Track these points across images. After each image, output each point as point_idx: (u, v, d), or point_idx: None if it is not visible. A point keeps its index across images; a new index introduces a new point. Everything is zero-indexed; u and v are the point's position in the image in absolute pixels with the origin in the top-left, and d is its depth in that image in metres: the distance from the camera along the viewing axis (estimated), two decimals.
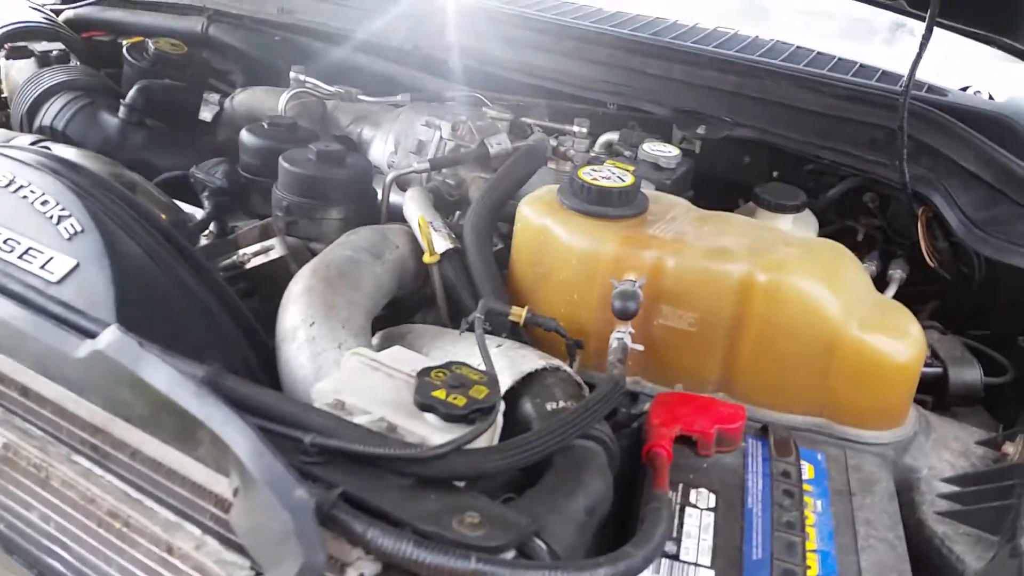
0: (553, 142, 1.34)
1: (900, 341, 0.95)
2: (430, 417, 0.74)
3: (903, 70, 1.23)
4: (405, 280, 1.12)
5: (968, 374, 1.09)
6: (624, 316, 0.91)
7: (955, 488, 0.91)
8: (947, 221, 1.21)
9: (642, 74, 1.44)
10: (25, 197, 0.98)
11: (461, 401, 0.73)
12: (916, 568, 0.79)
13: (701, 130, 1.37)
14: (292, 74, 1.64)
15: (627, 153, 1.28)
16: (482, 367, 0.81)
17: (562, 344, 0.99)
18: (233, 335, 1.00)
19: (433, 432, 0.73)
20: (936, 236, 1.26)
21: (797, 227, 1.28)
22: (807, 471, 0.88)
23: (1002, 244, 1.17)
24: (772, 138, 1.34)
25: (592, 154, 1.36)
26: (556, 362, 0.91)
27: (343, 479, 0.64)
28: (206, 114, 1.73)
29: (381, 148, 1.49)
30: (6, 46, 1.57)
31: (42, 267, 0.90)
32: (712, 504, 0.83)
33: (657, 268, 0.97)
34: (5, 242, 0.93)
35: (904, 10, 1.32)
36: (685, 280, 0.96)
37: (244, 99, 1.63)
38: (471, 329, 0.94)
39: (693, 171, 1.31)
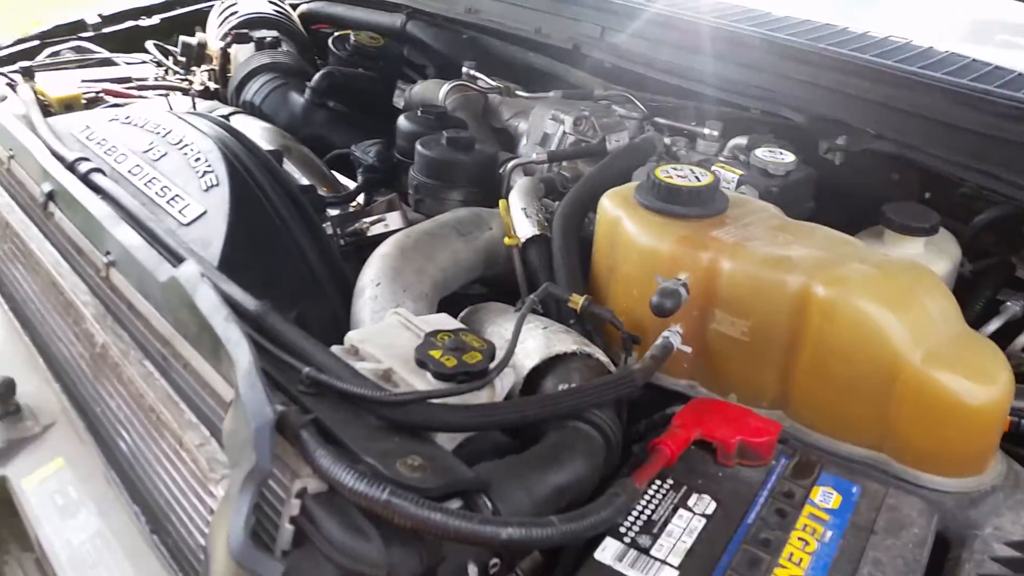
0: (667, 141, 1.34)
1: (977, 383, 0.85)
2: (428, 375, 0.81)
3: None
4: (496, 260, 1.19)
5: None
6: (660, 313, 0.91)
7: (1015, 553, 0.81)
8: None
9: (789, 79, 1.38)
10: (186, 154, 1.19)
11: (451, 363, 0.79)
12: None
13: (841, 140, 1.29)
14: (464, 68, 1.76)
15: (742, 157, 1.25)
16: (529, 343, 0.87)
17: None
18: (329, 288, 1.13)
19: (426, 387, 0.79)
20: None
21: (929, 253, 1.17)
22: (832, 500, 0.83)
23: None
24: (917, 155, 1.22)
25: (721, 157, 1.33)
26: (591, 350, 0.94)
27: (326, 411, 0.73)
28: (399, 101, 1.92)
29: (526, 138, 1.57)
30: (232, 32, 1.85)
31: (180, 211, 1.09)
32: (709, 511, 0.81)
33: (712, 270, 0.95)
34: (162, 189, 1.14)
35: None
36: (739, 286, 0.94)
37: (419, 90, 1.78)
38: (533, 303, 0.99)
39: (822, 181, 1.24)
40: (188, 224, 1.06)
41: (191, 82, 1.85)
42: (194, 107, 1.58)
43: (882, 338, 0.87)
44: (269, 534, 0.65)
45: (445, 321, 0.94)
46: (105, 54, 2.07)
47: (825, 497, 0.83)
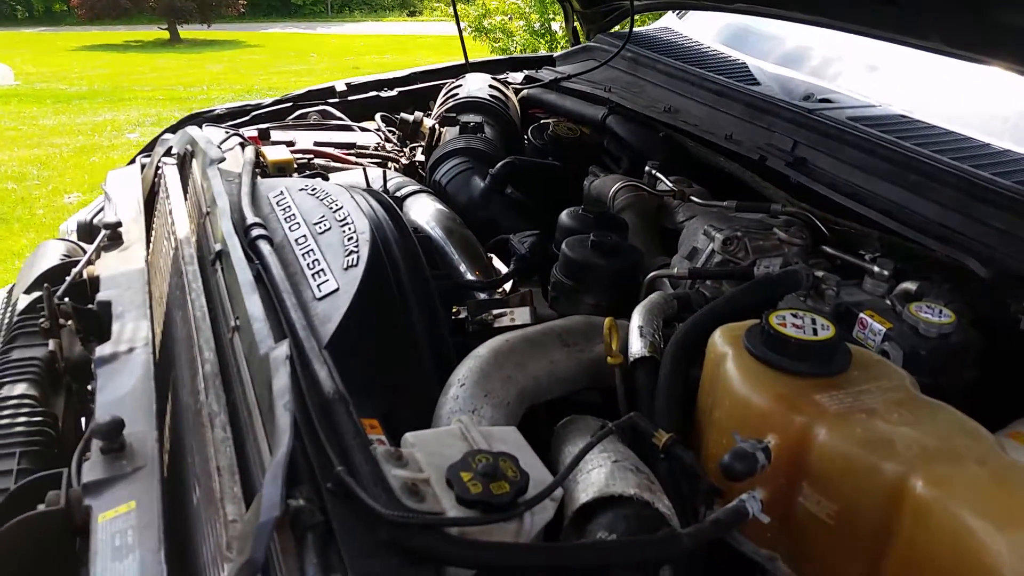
0: (819, 275, 1.22)
1: None
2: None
3: None
4: (604, 376, 1.16)
5: None
6: (728, 476, 0.83)
7: None
8: None
9: (983, 225, 1.22)
10: (344, 231, 1.30)
11: (477, 489, 0.78)
12: None
13: None
14: (647, 167, 1.76)
15: (899, 308, 1.11)
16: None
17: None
18: (431, 378, 1.17)
19: (452, 510, 0.79)
20: None
21: None
22: None
23: None
24: None
25: (888, 301, 1.20)
26: (651, 497, 0.88)
27: (345, 515, 0.76)
28: (585, 183, 1.96)
29: (688, 244, 1.52)
30: (444, 114, 2.00)
31: (318, 285, 1.19)
32: None
33: (804, 439, 0.86)
34: (313, 261, 1.25)
35: None
36: (830, 462, 0.84)
37: (598, 184, 1.80)
38: (607, 434, 0.95)
39: (979, 350, 1.07)
40: (320, 299, 1.15)
41: (404, 155, 2.02)
42: (385, 182, 1.72)
43: (984, 561, 0.72)
44: None
45: (510, 438, 0.93)
46: (346, 120, 2.32)
47: None
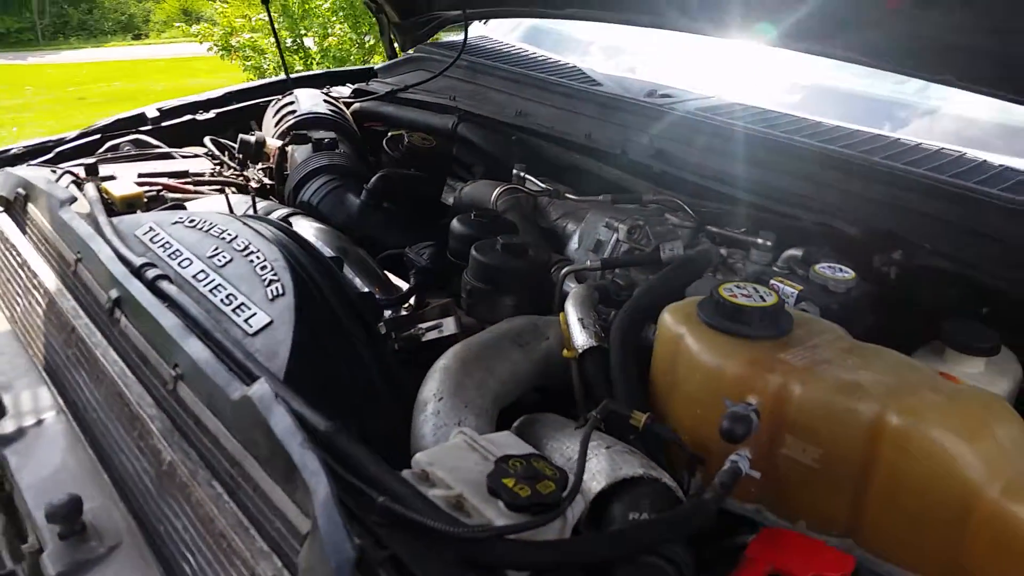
0: (724, 252, 1.35)
1: None
2: (501, 504, 0.80)
3: None
4: (553, 371, 1.19)
5: None
6: (730, 439, 0.90)
7: None
8: None
9: (840, 191, 1.40)
10: (252, 261, 1.21)
11: (526, 492, 0.78)
12: None
13: (897, 255, 1.29)
14: (514, 171, 1.81)
15: (800, 271, 1.25)
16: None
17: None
18: (388, 402, 1.13)
19: (499, 517, 0.78)
20: None
21: (990, 372, 1.15)
22: None
23: None
24: (974, 273, 1.22)
25: (775, 268, 1.34)
26: (657, 473, 0.92)
27: (401, 544, 0.72)
28: (449, 199, 1.96)
29: (577, 240, 1.59)
30: (291, 132, 1.92)
31: (246, 321, 1.10)
32: None
33: (782, 395, 0.94)
34: (227, 296, 1.16)
35: None
36: (810, 412, 0.93)
37: (470, 191, 1.82)
38: (596, 423, 0.98)
39: (878, 296, 1.24)
40: (254, 334, 1.08)
41: (247, 178, 1.90)
42: (254, 208, 1.62)
43: (957, 470, 0.85)
44: None
45: (510, 442, 0.93)
46: (164, 148, 2.14)
47: None
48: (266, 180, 1.92)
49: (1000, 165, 1.42)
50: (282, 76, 2.39)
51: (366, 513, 0.75)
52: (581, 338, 1.17)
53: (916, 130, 1.74)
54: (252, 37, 7.75)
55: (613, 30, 2.51)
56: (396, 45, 2.66)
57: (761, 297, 1.04)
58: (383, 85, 2.37)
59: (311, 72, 2.63)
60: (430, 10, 2.45)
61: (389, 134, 2.05)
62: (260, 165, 1.93)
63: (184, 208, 1.61)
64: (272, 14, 7.00)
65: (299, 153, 1.88)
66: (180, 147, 2.18)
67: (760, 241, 1.38)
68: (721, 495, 0.89)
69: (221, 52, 8.00)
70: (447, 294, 1.53)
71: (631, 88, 1.96)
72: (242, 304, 1.13)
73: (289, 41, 7.42)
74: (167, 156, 2.12)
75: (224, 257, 1.24)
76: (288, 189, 1.80)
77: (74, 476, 0.93)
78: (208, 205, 1.68)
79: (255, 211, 1.61)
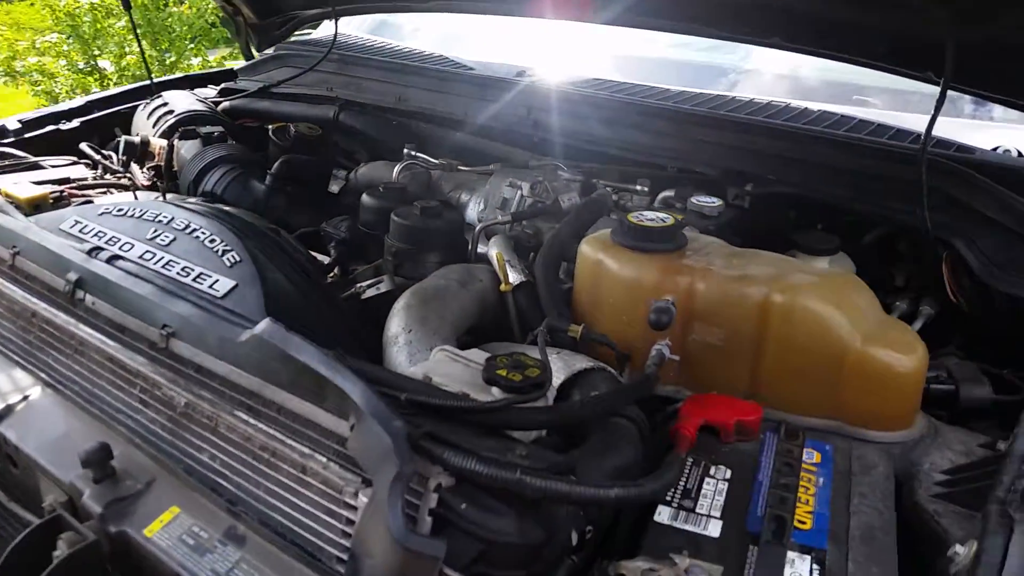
0: (615, 197, 1.58)
1: (902, 354, 1.11)
2: (495, 390, 0.96)
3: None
4: (487, 309, 1.36)
5: (978, 391, 1.22)
6: (658, 327, 1.12)
7: (948, 477, 1.05)
8: (969, 262, 1.35)
9: (698, 142, 1.66)
10: (197, 237, 1.30)
11: (518, 377, 0.95)
12: (910, 541, 0.93)
13: (749, 187, 1.57)
14: (405, 150, 1.95)
15: (679, 205, 1.50)
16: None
17: (613, 357, 1.20)
18: (348, 342, 1.26)
19: (489, 396, 0.95)
20: (961, 276, 1.40)
21: (832, 268, 1.45)
22: (815, 456, 1.05)
23: (1013, 281, 1.31)
24: (813, 194, 1.52)
25: (656, 205, 1.58)
26: (603, 365, 1.13)
27: (429, 426, 0.87)
28: (334, 187, 2.08)
29: (474, 208, 1.76)
30: (179, 129, 1.95)
31: (210, 287, 1.19)
32: (727, 476, 1.00)
33: (690, 291, 1.17)
34: (183, 269, 1.23)
35: (924, 78, 1.49)
36: (713, 301, 1.16)
37: (366, 172, 1.95)
38: (535, 341, 1.17)
39: (738, 221, 1.51)
40: (223, 297, 1.17)
41: (130, 178, 1.92)
42: (164, 199, 1.67)
43: (831, 330, 1.11)
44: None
45: (483, 355, 1.10)
46: (31, 159, 2.09)
47: (809, 455, 1.05)
48: (151, 180, 1.94)
49: (819, 110, 1.75)
50: (145, 82, 2.39)
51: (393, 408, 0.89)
52: (512, 275, 1.36)
53: (746, 88, 2.08)
54: (40, 61, 7.25)
55: (455, 20, 2.72)
56: (252, 46, 2.71)
57: (661, 220, 1.27)
58: (252, 83, 2.42)
59: (173, 76, 2.62)
60: (291, 9, 2.52)
61: (272, 126, 2.13)
62: (148, 165, 1.96)
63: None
64: (78, 34, 6.66)
65: (186, 149, 1.93)
66: (47, 157, 2.14)
67: (638, 187, 1.62)
68: (655, 371, 1.10)
69: (4, 78, 7.41)
70: (365, 262, 1.67)
71: (499, 70, 2.16)
72: (201, 274, 1.21)
73: (82, 64, 7.03)
74: (37, 167, 2.08)
75: (167, 237, 1.30)
76: (186, 182, 1.85)
77: (83, 436, 0.98)
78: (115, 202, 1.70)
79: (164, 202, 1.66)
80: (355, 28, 2.89)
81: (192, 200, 1.68)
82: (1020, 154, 1.61)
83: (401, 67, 2.18)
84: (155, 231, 1.32)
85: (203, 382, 1.01)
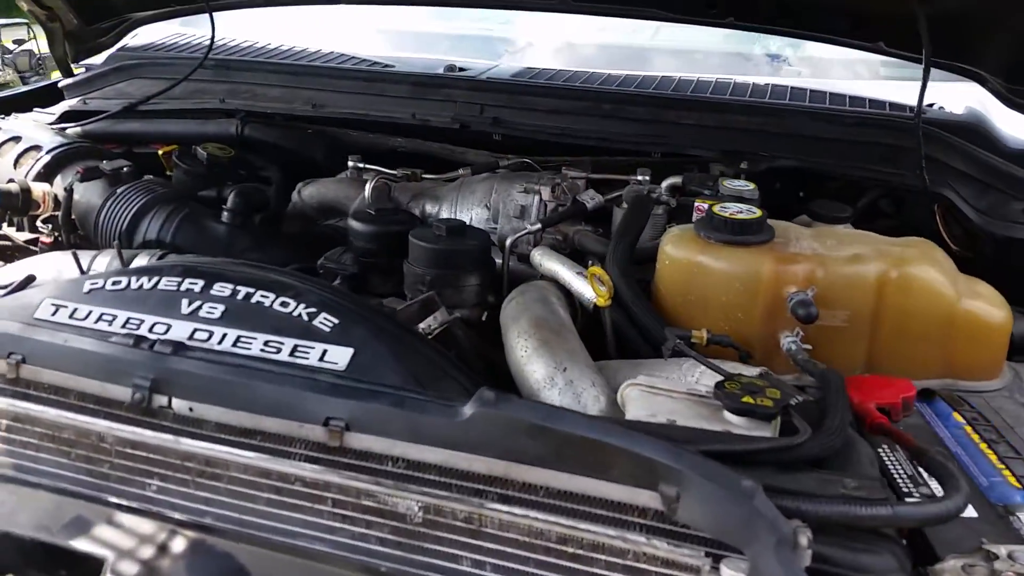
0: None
1: (994, 307, 1.21)
2: (732, 418, 0.90)
3: None
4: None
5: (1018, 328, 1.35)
6: (808, 320, 1.11)
7: None
8: (963, 211, 1.50)
9: (677, 125, 1.67)
10: (259, 302, 1.06)
11: (768, 403, 0.90)
12: None
13: (744, 165, 1.61)
14: (350, 162, 1.75)
15: (707, 192, 1.49)
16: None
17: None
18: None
19: (732, 429, 0.89)
20: (951, 224, 1.55)
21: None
22: (970, 416, 1.11)
23: (1006, 224, 1.47)
24: (807, 165, 1.59)
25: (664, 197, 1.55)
26: (766, 370, 1.10)
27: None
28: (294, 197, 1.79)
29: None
30: (79, 169, 1.57)
31: (320, 359, 0.98)
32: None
33: (810, 279, 1.18)
34: (267, 344, 1.00)
35: (897, 53, 1.62)
36: (835, 285, 1.18)
37: (313, 192, 1.71)
38: (676, 354, 1.11)
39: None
40: (348, 368, 0.97)
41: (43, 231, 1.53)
42: (121, 258, 1.32)
43: (941, 293, 1.18)
44: None
45: (663, 380, 1.02)
46: None
47: (965, 415, 1.11)
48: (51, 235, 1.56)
49: (766, 83, 1.83)
50: None
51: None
52: (589, 289, 1.27)
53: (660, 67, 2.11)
54: None
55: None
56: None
57: (749, 211, 1.25)
58: (103, 102, 2.01)
59: None
60: (126, 11, 2.13)
61: (163, 151, 1.80)
62: (43, 217, 1.56)
63: (31, 278, 1.26)
64: None
65: (91, 192, 1.56)
66: None
67: (640, 177, 1.59)
68: (815, 363, 1.10)
69: None
70: (370, 295, 1.48)
71: (422, 65, 1.99)
72: (297, 347, 0.99)
73: None
74: None
75: (213, 308, 1.05)
76: (106, 233, 1.49)
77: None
78: (41, 266, 1.34)
79: (122, 261, 1.32)
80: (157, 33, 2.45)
81: (140, 260, 1.36)
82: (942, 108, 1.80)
83: (305, 69, 1.94)
84: (190, 304, 1.05)
85: (421, 479, 0.83)
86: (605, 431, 0.78)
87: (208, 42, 1.97)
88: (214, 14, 1.96)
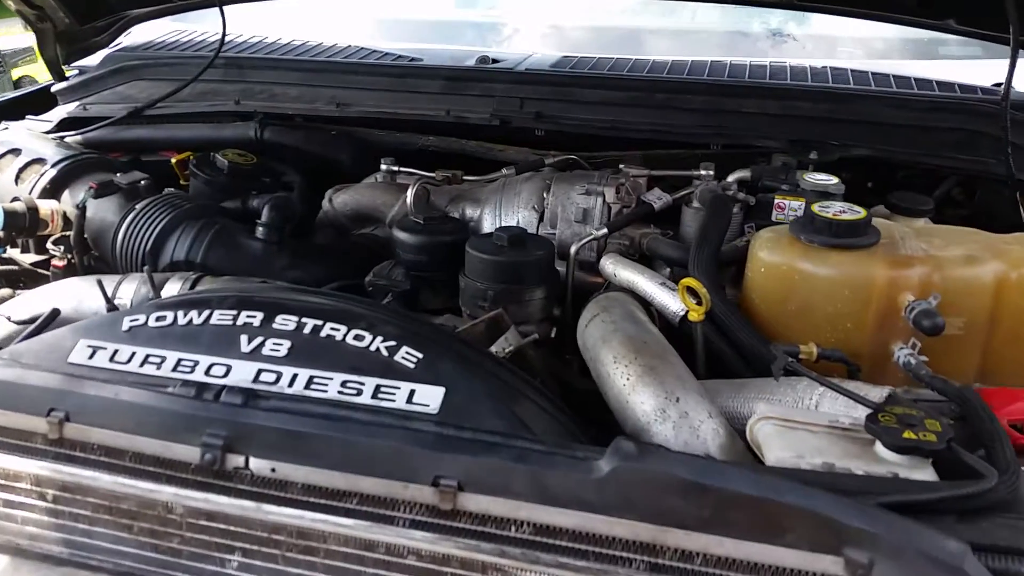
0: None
1: None
2: (889, 455, 0.80)
3: None
4: None
5: None
6: (935, 332, 1.00)
7: None
8: None
9: (738, 114, 1.55)
10: (329, 336, 0.94)
11: (932, 437, 0.79)
12: None
13: (813, 155, 1.50)
14: (383, 166, 1.62)
15: (785, 187, 1.38)
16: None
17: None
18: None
19: (891, 468, 0.79)
20: None
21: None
22: None
23: None
24: (880, 153, 1.48)
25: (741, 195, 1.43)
26: (882, 389, 0.99)
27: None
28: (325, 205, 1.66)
29: (492, 223, 1.49)
30: (91, 184, 1.43)
31: (408, 401, 0.86)
32: None
33: (926, 283, 1.07)
34: (345, 385, 0.89)
35: (971, 32, 1.51)
36: (952, 290, 1.07)
37: (347, 199, 1.58)
38: (789, 373, 1.00)
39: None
40: (439, 411, 0.85)
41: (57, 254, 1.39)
42: (153, 286, 1.18)
43: None
44: None
45: (792, 410, 0.91)
46: None
47: None
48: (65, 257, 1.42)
49: (863, 68, 1.71)
50: None
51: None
52: (676, 301, 1.16)
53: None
54: None
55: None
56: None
57: (853, 209, 1.14)
58: (104, 107, 1.86)
59: None
60: (123, 8, 1.97)
61: (176, 159, 1.67)
62: (53, 238, 1.42)
63: (56, 312, 1.13)
64: None
65: (106, 209, 1.42)
66: None
67: (703, 172, 1.48)
68: (945, 380, 0.99)
69: None
70: (420, 310, 1.36)
71: (452, 57, 1.86)
72: (380, 387, 0.88)
73: None
74: None
75: (278, 345, 0.93)
76: (128, 254, 1.35)
77: None
78: (64, 296, 1.21)
79: (154, 292, 1.19)
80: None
81: (172, 287, 1.23)
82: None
83: (325, 65, 1.80)
84: (250, 341, 0.93)
85: (548, 544, 0.72)
86: (777, 489, 0.67)
87: (217, 39, 1.83)
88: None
